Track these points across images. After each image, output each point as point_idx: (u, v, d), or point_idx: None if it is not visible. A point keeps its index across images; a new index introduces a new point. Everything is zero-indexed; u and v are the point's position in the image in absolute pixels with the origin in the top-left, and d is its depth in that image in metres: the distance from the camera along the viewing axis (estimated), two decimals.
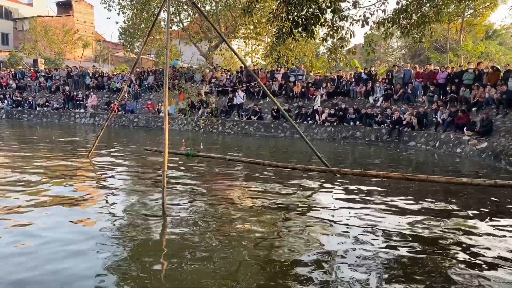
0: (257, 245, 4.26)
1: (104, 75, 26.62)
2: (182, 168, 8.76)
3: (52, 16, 48.08)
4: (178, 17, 26.31)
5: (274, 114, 18.56)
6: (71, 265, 3.63)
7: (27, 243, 4.16)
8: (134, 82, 23.92)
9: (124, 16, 29.16)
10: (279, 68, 21.55)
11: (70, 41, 42.64)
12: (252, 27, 24.72)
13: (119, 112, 21.28)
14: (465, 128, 13.03)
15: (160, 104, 21.79)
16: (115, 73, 29.36)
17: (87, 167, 8.85)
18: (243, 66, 22.49)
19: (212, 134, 18.23)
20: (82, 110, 23.90)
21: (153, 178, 7.60)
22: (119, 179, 7.59)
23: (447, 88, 15.87)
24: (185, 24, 28.00)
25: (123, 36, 33.49)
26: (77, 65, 31.86)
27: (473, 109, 14.44)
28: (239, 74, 21.92)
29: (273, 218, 5.30)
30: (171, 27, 19.93)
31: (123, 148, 12.37)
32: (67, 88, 25.90)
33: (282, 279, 3.50)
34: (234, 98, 19.78)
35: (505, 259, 4.08)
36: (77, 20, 49.02)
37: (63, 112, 24.21)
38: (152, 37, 28.33)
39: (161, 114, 21.23)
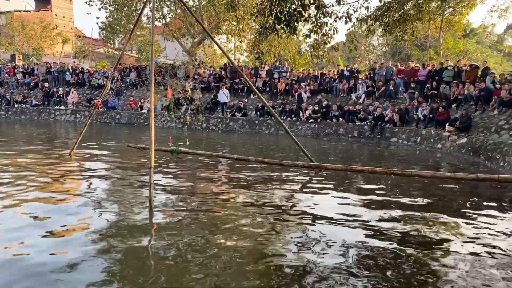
0: (245, 242, 4.28)
1: (85, 71, 26.14)
2: (168, 165, 8.70)
3: (29, 11, 46.85)
4: (160, 13, 26.02)
5: (260, 111, 18.61)
6: (53, 265, 3.57)
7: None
8: (117, 78, 23.58)
9: (106, 12, 28.57)
10: (263, 65, 21.59)
11: (48, 37, 41.65)
12: (235, 22, 24.66)
13: (101, 109, 20.96)
14: (447, 124, 13.32)
15: (142, 101, 21.56)
16: (96, 69, 28.86)
17: (70, 165, 8.70)
18: (226, 62, 22.48)
19: (196, 131, 18.14)
20: (62, 107, 23.43)
21: (138, 175, 7.53)
22: (103, 177, 7.49)
23: (428, 85, 16.18)
24: (167, 19, 27.69)
25: (103, 31, 32.91)
26: (57, 61, 31.17)
27: (453, 105, 14.77)
28: (222, 71, 21.87)
29: (260, 214, 5.32)
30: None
31: (107, 146, 12.20)
32: (46, 84, 25.33)
33: (271, 277, 3.53)
34: (218, 95, 19.71)
35: (486, 252, 4.21)
36: (56, 15, 47.93)
37: (43, 109, 23.68)
38: (133, 33, 27.95)
39: (143, 111, 21.00)
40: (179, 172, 8.10)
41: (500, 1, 39.64)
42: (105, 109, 21.94)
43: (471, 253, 4.11)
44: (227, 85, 19.73)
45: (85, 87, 25.11)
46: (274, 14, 9.22)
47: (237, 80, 19.58)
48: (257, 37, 11.60)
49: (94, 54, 47.22)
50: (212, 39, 8.45)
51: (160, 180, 6.99)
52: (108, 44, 35.52)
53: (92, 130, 16.53)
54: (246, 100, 20.03)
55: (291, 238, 4.44)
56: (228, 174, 8.18)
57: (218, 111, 19.93)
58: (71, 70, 25.98)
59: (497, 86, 13.65)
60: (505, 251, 4.17)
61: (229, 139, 15.75)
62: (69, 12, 50.50)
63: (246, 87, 19.99)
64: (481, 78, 14.55)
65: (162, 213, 5.16)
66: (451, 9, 25.42)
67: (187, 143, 8.15)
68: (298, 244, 4.23)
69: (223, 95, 19.47)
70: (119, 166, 8.72)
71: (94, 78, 24.77)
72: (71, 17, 50.86)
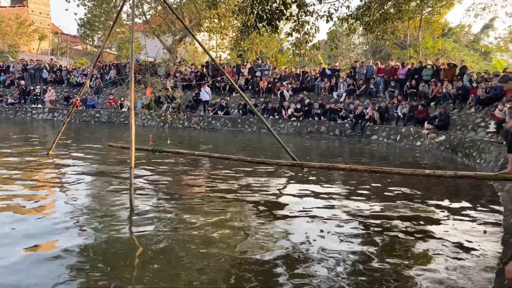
0: (227, 241, 4.25)
1: (63, 69, 25.58)
2: (149, 164, 8.59)
3: (4, 7, 45.55)
4: (140, 9, 25.64)
5: (242, 109, 18.57)
6: (31, 267, 3.48)
7: None
8: (96, 76, 23.16)
9: (84, 8, 27.98)
10: (245, 63, 21.55)
11: (24, 33, 40.56)
12: (216, 20, 24.51)
13: (80, 108, 20.56)
14: (426, 122, 13.56)
15: (122, 99, 21.24)
16: (75, 67, 28.27)
17: (48, 165, 8.49)
18: (208, 60, 22.33)
19: (178, 129, 17.98)
20: (39, 106, 22.87)
21: (118, 175, 7.41)
22: (83, 176, 7.33)
23: (407, 84, 16.45)
24: (147, 16, 27.33)
25: (82, 28, 32.24)
26: (33, 58, 30.40)
27: (432, 103, 15.06)
28: (204, 69, 21.73)
29: (243, 212, 5.31)
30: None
31: (86, 145, 11.96)
32: (22, 82, 24.66)
33: (253, 275, 3.52)
34: (200, 93, 19.59)
35: (463, 246, 4.30)
36: (32, 11, 46.73)
37: (19, 108, 23.05)
38: (113, 30, 27.50)
39: (123, 109, 20.69)
40: (160, 172, 8.00)
41: (477, 0, 40.56)
42: (84, 107, 21.53)
43: (448, 247, 4.19)
44: (209, 83, 19.62)
45: (63, 85, 24.57)
46: (256, 12, 9.22)
47: (219, 78, 19.51)
48: (239, 35, 11.59)
49: (72, 51, 46.26)
50: (193, 36, 8.36)
51: (141, 180, 6.90)
52: (87, 41, 34.83)
53: (71, 129, 16.19)
54: (228, 98, 19.96)
55: (273, 235, 4.44)
56: (210, 173, 8.13)
57: (200, 110, 19.81)
58: (48, 68, 25.37)
59: (474, 84, 13.98)
60: (480, 246, 4.26)
61: (211, 137, 15.67)
62: (46, 8, 49.31)
63: (228, 85, 19.93)
64: (459, 77, 14.88)
65: (143, 213, 5.08)
66: (429, 9, 25.87)
67: (169, 142, 8.06)
68: (280, 241, 4.23)
69: (205, 93, 19.36)
70: (99, 166, 8.56)
71: (72, 76, 24.26)
72: (48, 13, 49.68)
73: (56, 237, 4.17)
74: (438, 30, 30.20)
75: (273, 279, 3.42)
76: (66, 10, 45.59)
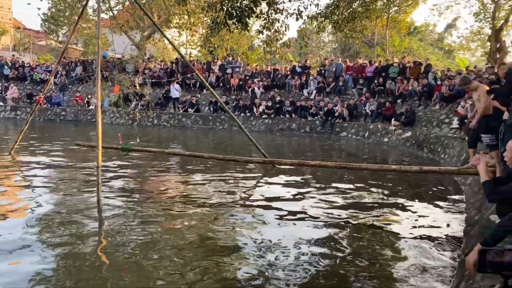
0: (197, 240, 4.23)
1: (26, 65, 24.58)
2: (117, 163, 8.41)
3: None
4: (107, 4, 24.99)
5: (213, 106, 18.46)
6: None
7: None
8: (61, 73, 22.40)
9: (48, 2, 26.98)
10: (215, 60, 21.40)
11: None
12: (186, 16, 24.22)
13: (44, 105, 19.83)
14: (393, 119, 13.92)
15: (89, 97, 20.66)
16: (38, 63, 27.24)
17: (10, 165, 8.15)
18: (178, 57, 22.04)
19: (147, 127, 17.67)
20: (1, 103, 21.88)
21: (86, 174, 7.21)
22: (47, 177, 7.09)
23: (375, 81, 16.81)
24: (115, 12, 26.67)
25: (46, 23, 31.11)
26: None
27: (398, 101, 15.45)
28: (173, 65, 21.44)
29: (213, 210, 5.28)
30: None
31: (51, 144, 11.55)
32: None
33: (223, 274, 3.51)
34: (172, 86, 19.31)
35: (428, 238, 4.45)
36: None
37: None
38: (79, 26, 26.66)
39: (91, 107, 20.13)
40: (129, 170, 7.85)
41: (441, 0, 41.87)
42: (49, 105, 20.78)
43: (414, 240, 4.32)
44: (178, 80, 19.38)
45: (25, 82, 23.60)
46: (225, 9, 9.16)
47: (189, 75, 19.28)
48: (209, 31, 11.49)
49: (35, 47, 44.50)
50: (162, 33, 8.24)
51: (109, 179, 6.74)
52: (51, 36, 33.63)
53: (35, 127, 15.59)
54: (199, 96, 19.78)
55: (244, 232, 4.44)
56: (181, 171, 8.05)
57: (170, 107, 19.54)
58: (10, 64, 24.32)
59: (438, 82, 14.46)
60: (443, 239, 4.43)
61: (182, 135, 15.50)
62: (7, 1, 47.15)
63: (198, 82, 19.75)
64: (424, 75, 15.35)
65: (111, 213, 4.97)
66: (396, 8, 26.53)
67: (138, 140, 7.92)
68: (251, 239, 4.24)
69: (175, 91, 19.11)
70: (65, 166, 8.30)
71: (36, 73, 23.36)
72: (9, 7, 47.55)
73: (18, 241, 4.01)
74: (404, 29, 31.01)
75: (246, 277, 3.42)
76: (28, 4, 43.85)
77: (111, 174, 7.22)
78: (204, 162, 8.52)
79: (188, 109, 18.88)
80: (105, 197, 5.49)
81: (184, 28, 25.60)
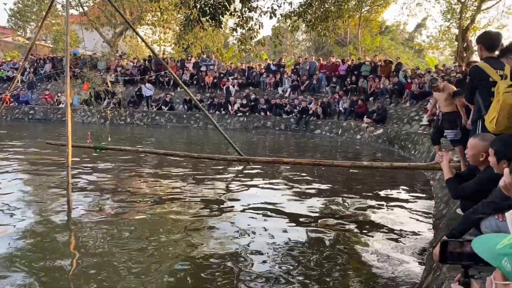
0: (171, 240, 4.19)
1: None
2: (89, 162, 8.22)
3: None
4: (77, 0, 24.33)
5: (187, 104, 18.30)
6: None
7: None
8: (28, 70, 21.67)
9: None
10: (189, 58, 21.21)
11: None
12: (159, 13, 23.84)
13: (11, 104, 19.15)
14: (365, 116, 14.20)
15: (59, 95, 20.09)
16: (5, 60, 26.23)
17: None
18: (151, 54, 21.70)
19: (120, 126, 17.36)
20: None
21: (56, 174, 7.01)
22: (16, 177, 6.86)
23: (348, 79, 17.09)
24: (85, 8, 25.97)
25: (12, 19, 30.00)
26: None
27: (370, 98, 15.77)
28: (146, 63, 21.12)
29: (187, 210, 5.25)
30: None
31: (19, 143, 11.18)
32: None
33: (197, 272, 3.50)
34: (143, 87, 19.03)
35: (398, 233, 4.57)
36: None
37: None
38: (48, 21, 25.86)
39: (60, 105, 19.59)
40: (102, 170, 7.69)
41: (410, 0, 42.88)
42: (16, 104, 20.09)
43: (384, 235, 4.43)
44: (152, 78, 19.11)
45: None
46: (198, 7, 9.09)
47: (162, 73, 19.04)
48: (182, 29, 11.37)
49: (1, 43, 42.81)
50: (134, 30, 8.09)
51: (80, 179, 6.59)
52: (18, 32, 32.47)
53: (2, 127, 15.07)
54: (172, 94, 19.57)
55: (219, 231, 4.43)
56: (155, 170, 7.95)
57: (143, 105, 19.25)
58: None
59: (409, 80, 14.84)
60: (413, 233, 4.56)
61: (156, 134, 15.30)
62: None
63: (172, 80, 19.53)
64: (395, 73, 15.71)
65: (82, 214, 4.86)
66: (368, 7, 26.99)
67: (109, 139, 7.75)
68: (226, 237, 4.24)
69: (147, 90, 18.87)
70: (34, 165, 8.05)
71: (2, 70, 22.53)
72: None
73: None
74: (376, 28, 31.64)
75: (220, 276, 3.42)
76: None
77: (83, 174, 7.06)
78: (178, 160, 8.45)
79: (162, 107, 18.66)
80: (76, 197, 5.37)
81: (157, 25, 25.22)
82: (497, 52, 3.85)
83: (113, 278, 3.27)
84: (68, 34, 5.62)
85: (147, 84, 18.79)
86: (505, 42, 4.83)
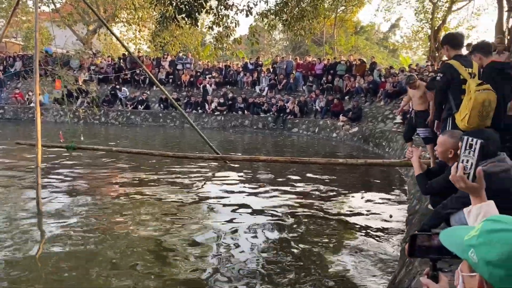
0: (144, 240, 4.12)
1: None
2: (61, 162, 8.00)
3: None
4: None
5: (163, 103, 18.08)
6: None
7: None
8: None
9: None
10: (165, 56, 20.94)
11: None
12: (133, 11, 23.45)
13: None
14: (341, 115, 14.36)
15: (30, 94, 19.49)
16: None
17: None
18: (126, 52, 21.32)
19: (94, 125, 16.99)
20: None
21: (27, 174, 6.79)
22: None
23: (324, 79, 17.25)
24: (57, 5, 25.27)
25: None
26: None
27: (346, 97, 15.96)
28: (121, 61, 20.75)
29: (162, 210, 5.17)
30: (39, 7, 17.84)
31: None
32: None
33: (170, 273, 3.45)
34: (118, 92, 18.73)
35: (373, 229, 4.64)
36: None
37: None
38: (17, 18, 25.04)
39: (31, 105, 19.00)
40: (74, 170, 7.49)
41: (384, 1, 43.81)
42: None
43: (359, 231, 4.49)
44: (127, 76, 18.78)
45: None
46: (174, 4, 8.98)
47: (137, 71, 18.74)
48: (157, 26, 11.22)
49: None
50: (107, 27, 7.92)
51: (50, 179, 6.40)
52: None
53: None
54: (148, 92, 19.28)
55: (195, 230, 4.39)
56: (129, 170, 7.80)
57: (118, 104, 18.91)
58: None
59: (383, 79, 15.10)
60: (387, 228, 4.64)
61: (131, 133, 15.05)
62: None
63: (148, 79, 19.25)
64: (369, 72, 15.95)
65: (52, 215, 4.72)
66: (343, 7, 27.32)
67: (82, 138, 7.56)
68: (203, 236, 4.20)
69: (121, 94, 18.66)
70: (3, 166, 7.78)
71: None
72: None
73: None
74: (351, 28, 32.07)
75: (190, 276, 3.38)
76: None
77: (53, 174, 6.87)
78: (153, 160, 8.32)
79: (138, 106, 18.37)
80: (46, 198, 5.21)
81: (132, 23, 24.78)
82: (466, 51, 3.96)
83: (81, 280, 3.18)
84: (36, 31, 5.45)
85: (122, 89, 18.54)
86: (474, 42, 4.97)
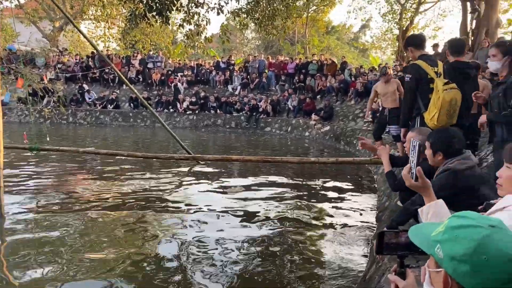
0: (114, 242, 4.01)
1: None
2: (25, 164, 7.69)
3: None
4: None
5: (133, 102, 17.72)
6: None
7: None
8: None
9: None
10: (135, 54, 20.53)
11: None
12: (102, 7, 22.85)
13: None
14: (313, 114, 14.50)
15: None
16: None
17: None
18: (94, 50, 20.75)
19: (61, 125, 16.47)
20: None
21: None
22: None
23: (296, 78, 17.37)
24: (21, 0, 24.33)
25: None
26: None
27: (318, 96, 16.14)
28: (90, 60, 20.19)
29: (132, 211, 5.05)
30: (1, 3, 17.13)
31: None
32: None
33: (138, 275, 3.37)
34: (86, 94, 18.22)
35: (346, 225, 4.69)
36: None
37: None
38: None
39: None
40: (38, 172, 7.21)
41: (355, 2, 44.69)
42: None
43: (331, 229, 4.53)
44: (95, 75, 18.30)
45: None
46: (145, 2, 8.80)
47: (106, 70, 18.29)
48: (127, 24, 10.97)
49: None
50: (74, 24, 7.68)
51: (14, 182, 6.13)
52: None
53: None
54: (118, 91, 18.85)
55: (167, 232, 4.31)
56: (97, 171, 7.58)
57: (87, 104, 18.39)
58: None
59: (353, 79, 15.35)
60: (357, 226, 4.70)
61: (100, 133, 14.68)
62: None
63: (117, 77, 18.82)
64: (340, 72, 16.19)
65: (16, 219, 4.52)
66: (315, 7, 27.60)
67: (48, 139, 7.29)
68: (174, 238, 4.13)
69: (91, 95, 18.22)
70: None
71: None
72: None
73: None
74: (323, 28, 32.47)
75: (163, 279, 3.31)
76: None
77: (17, 176, 6.59)
78: (123, 161, 8.13)
79: (107, 106, 17.94)
80: (9, 201, 4.99)
81: (101, 20, 24.16)
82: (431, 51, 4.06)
83: (45, 284, 3.06)
84: None
85: (90, 92, 18.07)
86: (441, 43, 5.11)
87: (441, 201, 1.79)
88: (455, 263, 0.87)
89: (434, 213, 1.76)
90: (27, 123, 16.20)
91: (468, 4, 12.79)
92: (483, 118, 3.26)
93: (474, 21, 12.44)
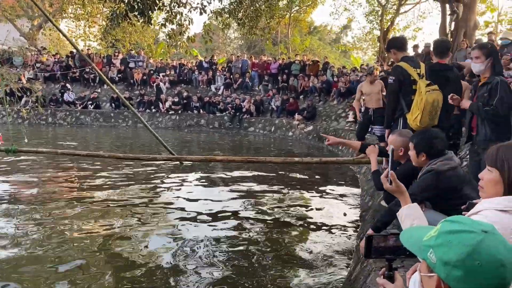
0: (96, 246, 3.93)
1: None
2: (2, 167, 7.48)
3: None
4: None
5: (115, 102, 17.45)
6: None
7: None
8: None
9: None
10: (116, 54, 20.22)
11: None
12: (82, 6, 22.43)
13: None
14: (296, 114, 14.57)
15: None
16: None
17: None
18: (74, 49, 20.35)
19: (40, 126, 16.10)
20: None
21: None
22: None
23: (279, 78, 17.42)
24: None
25: None
26: None
27: (301, 96, 16.21)
28: (69, 59, 19.80)
29: (113, 215, 4.96)
30: None
31: None
32: None
33: (127, 278, 3.31)
34: (66, 94, 17.86)
35: (327, 227, 4.71)
36: None
37: None
38: None
39: None
40: (16, 175, 7.03)
41: (337, 3, 45.17)
42: None
43: (314, 229, 4.55)
44: (75, 74, 17.95)
45: None
46: (126, 1, 8.67)
47: (87, 69, 17.97)
48: (109, 23, 10.79)
49: None
50: (52, 22, 7.49)
51: None
52: None
53: None
54: (99, 91, 18.54)
55: (151, 234, 4.25)
56: (77, 174, 7.43)
57: (67, 104, 18.02)
58: None
59: (335, 79, 15.48)
60: (341, 225, 4.73)
61: (81, 134, 14.40)
62: None
63: (98, 77, 18.51)
64: (323, 72, 16.30)
65: None
66: (297, 8, 27.73)
67: (26, 140, 7.10)
68: (158, 238, 4.07)
69: (70, 96, 17.89)
70: None
71: None
72: None
73: None
74: (305, 28, 32.64)
75: (145, 280, 3.26)
76: None
77: None
78: (104, 162, 7.99)
79: (88, 106, 17.62)
80: None
81: (81, 18, 23.71)
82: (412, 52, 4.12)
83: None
84: None
85: (70, 93, 17.73)
86: (421, 44, 5.19)
87: (415, 205, 1.86)
88: (448, 268, 0.87)
89: (407, 215, 1.82)
90: (4, 124, 15.77)
91: (447, 6, 13.04)
92: (465, 103, 3.29)
93: (453, 23, 12.69)
